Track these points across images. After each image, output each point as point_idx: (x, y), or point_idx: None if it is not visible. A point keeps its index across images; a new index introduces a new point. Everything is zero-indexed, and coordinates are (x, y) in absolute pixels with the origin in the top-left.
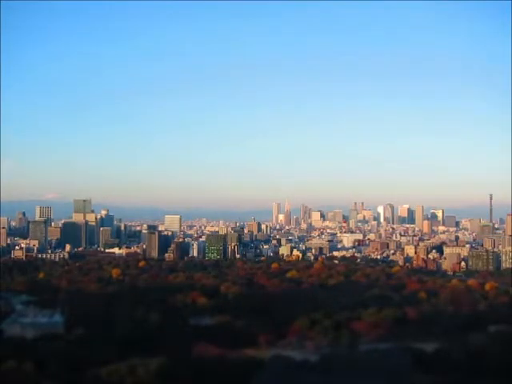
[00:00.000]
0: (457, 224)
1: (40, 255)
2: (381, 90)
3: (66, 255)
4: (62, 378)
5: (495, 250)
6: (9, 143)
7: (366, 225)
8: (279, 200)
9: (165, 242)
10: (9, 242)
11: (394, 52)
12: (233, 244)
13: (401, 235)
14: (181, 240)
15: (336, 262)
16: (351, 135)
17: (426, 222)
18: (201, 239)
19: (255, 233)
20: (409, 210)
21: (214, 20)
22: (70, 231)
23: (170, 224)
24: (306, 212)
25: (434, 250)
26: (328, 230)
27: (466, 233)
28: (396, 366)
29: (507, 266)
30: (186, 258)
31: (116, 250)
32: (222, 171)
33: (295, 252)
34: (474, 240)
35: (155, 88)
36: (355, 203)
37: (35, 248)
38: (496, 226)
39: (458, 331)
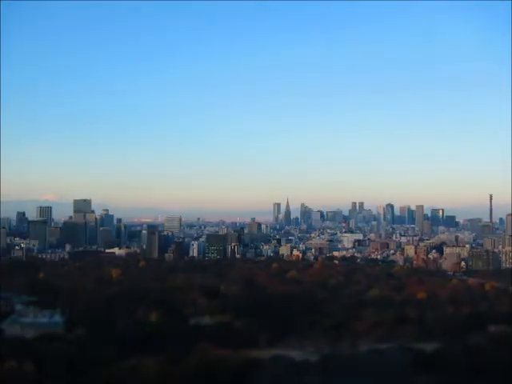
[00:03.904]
0: (457, 224)
1: (40, 255)
2: (379, 89)
3: (66, 255)
4: (62, 378)
5: (495, 250)
6: (9, 143)
7: (366, 225)
8: (279, 200)
9: (165, 241)
10: (9, 241)
11: (392, 49)
12: (233, 244)
13: (401, 235)
14: (181, 240)
15: (336, 262)
16: (351, 135)
17: (426, 222)
18: (201, 239)
19: (255, 233)
20: (409, 209)
21: None
22: (70, 231)
23: (170, 224)
24: (306, 212)
25: (433, 250)
26: (328, 230)
27: (465, 233)
28: (396, 366)
29: (507, 266)
30: (186, 257)
31: (116, 250)
32: (222, 171)
33: (295, 252)
34: (474, 240)
35: (155, 88)
36: (355, 203)
37: (35, 248)
38: (496, 226)
39: (458, 331)
